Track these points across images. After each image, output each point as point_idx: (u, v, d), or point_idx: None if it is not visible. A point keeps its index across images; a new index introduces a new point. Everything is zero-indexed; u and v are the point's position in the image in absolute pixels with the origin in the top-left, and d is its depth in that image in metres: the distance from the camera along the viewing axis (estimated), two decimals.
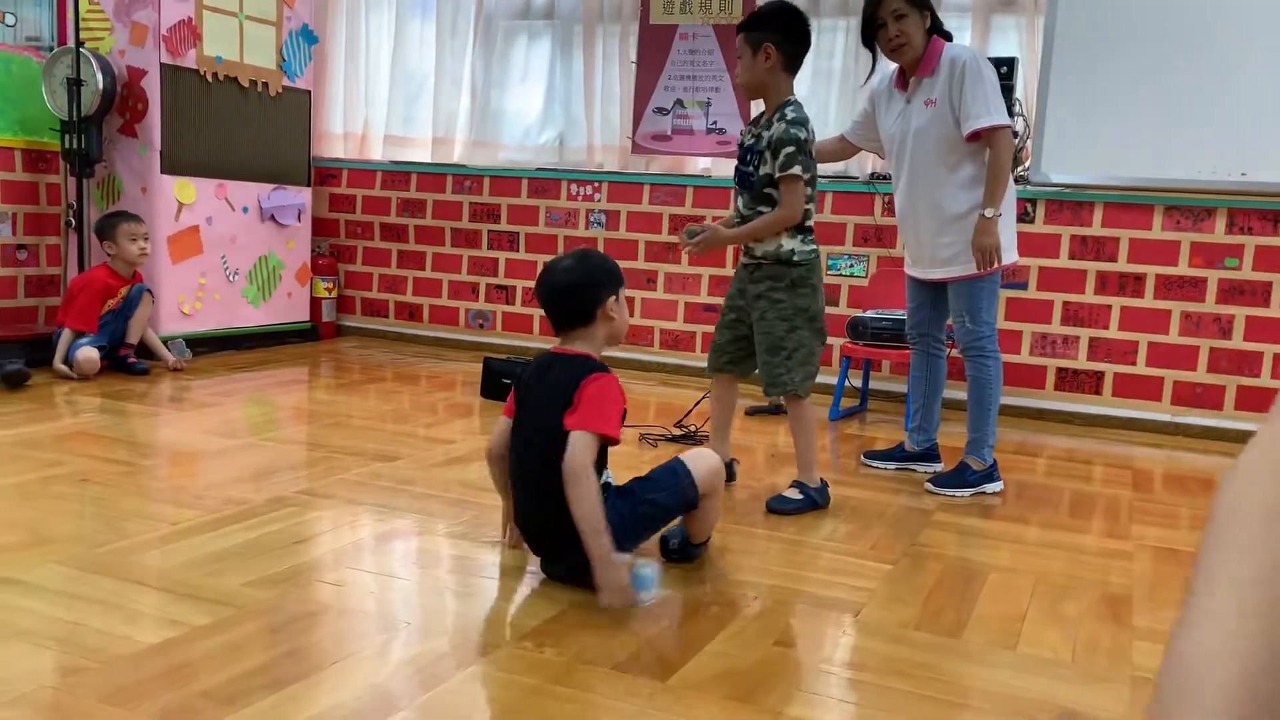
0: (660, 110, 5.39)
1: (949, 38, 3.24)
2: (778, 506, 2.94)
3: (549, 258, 2.56)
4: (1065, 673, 1.98)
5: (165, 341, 4.83)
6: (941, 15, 3.29)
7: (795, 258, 2.93)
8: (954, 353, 3.51)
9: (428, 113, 6.00)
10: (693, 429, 3.92)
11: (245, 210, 5.39)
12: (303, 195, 5.74)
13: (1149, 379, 4.65)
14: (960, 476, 3.30)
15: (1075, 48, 4.54)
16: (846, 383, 4.59)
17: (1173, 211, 4.54)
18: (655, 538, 2.47)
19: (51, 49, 5.07)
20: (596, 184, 5.57)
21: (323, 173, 6.14)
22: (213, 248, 5.22)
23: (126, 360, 4.57)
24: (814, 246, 2.96)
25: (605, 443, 2.21)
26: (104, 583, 2.15)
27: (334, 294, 6.13)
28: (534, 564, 2.39)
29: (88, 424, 3.62)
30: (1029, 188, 4.66)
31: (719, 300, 5.32)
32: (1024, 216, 4.67)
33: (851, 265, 5.08)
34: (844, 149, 3.59)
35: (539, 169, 5.73)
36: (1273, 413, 0.57)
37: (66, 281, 4.96)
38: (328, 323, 6.08)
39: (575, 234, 5.64)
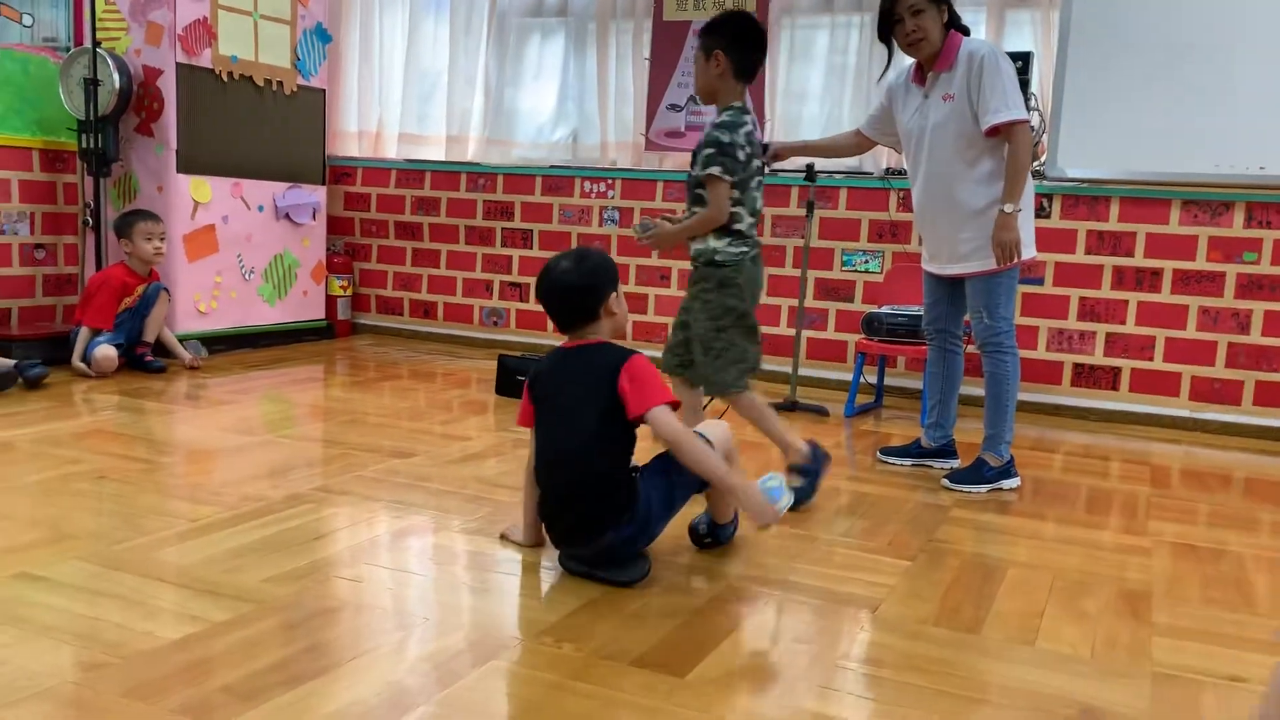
0: (674, 107, 5.39)
1: (966, 32, 3.22)
2: (800, 499, 2.92)
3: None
4: (1084, 669, 1.97)
5: (182, 340, 4.86)
6: (957, 9, 3.27)
7: (718, 258, 2.93)
8: (971, 348, 3.49)
9: (442, 111, 6.01)
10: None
11: (260, 209, 5.41)
12: (317, 193, 5.76)
13: (1167, 374, 4.62)
14: (977, 472, 3.29)
15: (1091, 41, 4.51)
16: (862, 379, 4.57)
17: (1190, 206, 4.51)
18: (685, 530, 2.50)
19: (68, 49, 5.10)
20: (610, 181, 5.57)
21: (337, 171, 6.16)
22: (228, 246, 5.24)
23: (143, 358, 4.60)
24: (743, 248, 2.93)
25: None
26: (124, 579, 2.16)
27: (349, 292, 6.15)
28: (550, 559, 2.39)
29: (106, 422, 3.65)
30: (1045, 183, 4.63)
31: None
32: (1040, 211, 4.65)
33: (866, 261, 5.06)
34: (860, 143, 3.58)
35: (552, 166, 5.74)
36: None
37: (84, 280, 4.99)
38: (343, 321, 6.11)
39: (589, 231, 5.64)
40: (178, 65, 4.89)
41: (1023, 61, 4.43)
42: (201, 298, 5.12)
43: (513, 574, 2.35)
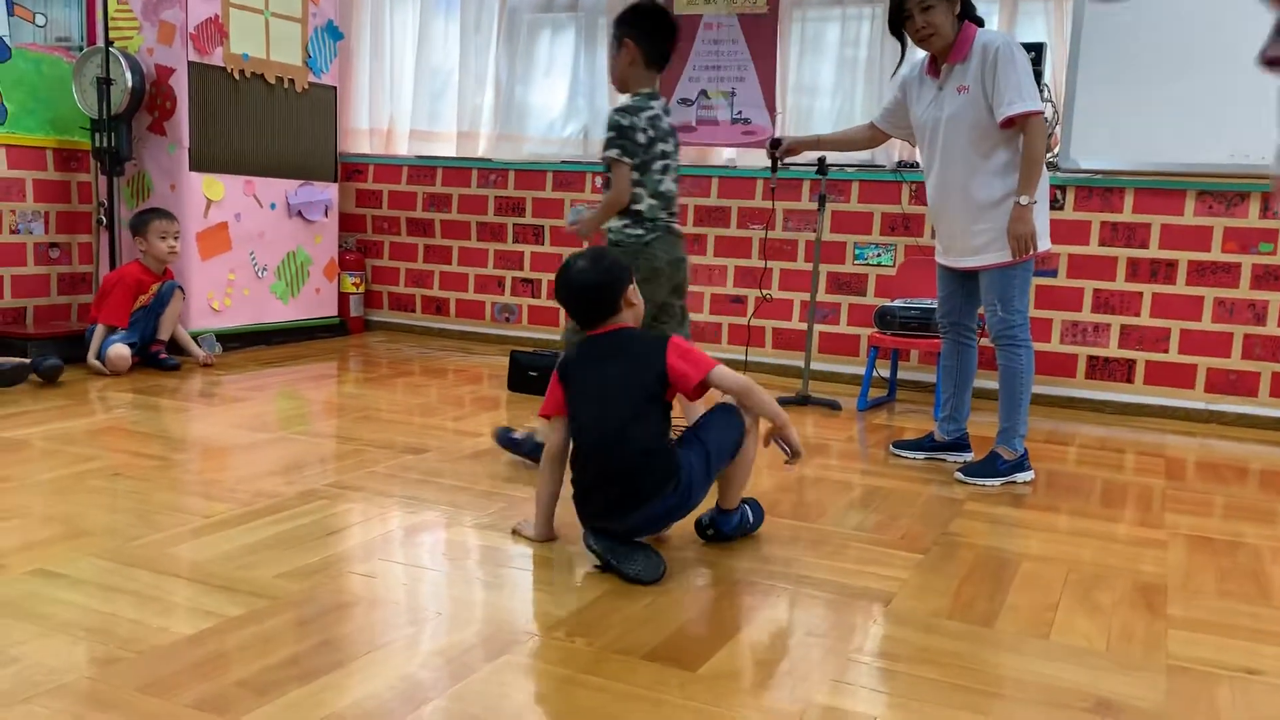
0: (685, 101, 5.38)
1: (980, 23, 3.21)
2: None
3: (574, 250, 2.61)
4: (1099, 662, 1.97)
5: (195, 337, 4.88)
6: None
7: (613, 238, 2.99)
8: (985, 341, 3.48)
9: (452, 107, 6.01)
10: None
11: (273, 206, 5.43)
12: (329, 191, 5.78)
13: (1182, 366, 4.59)
14: (991, 466, 3.28)
15: (1104, 31, 4.48)
16: (875, 373, 4.56)
17: (1205, 197, 4.48)
18: (690, 526, 2.50)
19: (81, 49, 5.13)
20: None
21: (349, 168, 6.17)
22: (241, 244, 5.26)
23: (158, 356, 4.62)
24: (639, 231, 2.95)
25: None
26: (139, 575, 2.17)
27: (361, 289, 6.16)
28: (560, 556, 2.39)
29: (120, 419, 3.66)
30: (1058, 174, 4.61)
31: (744, 291, 5.31)
32: (1054, 203, 4.62)
33: (879, 254, 5.04)
34: (873, 137, 3.57)
35: (564, 162, 5.73)
36: None
37: (98, 279, 5.02)
38: (355, 317, 6.12)
39: None
40: (190, 64, 4.91)
41: (1035, 53, 4.40)
42: (215, 295, 5.14)
43: (525, 569, 2.36)
